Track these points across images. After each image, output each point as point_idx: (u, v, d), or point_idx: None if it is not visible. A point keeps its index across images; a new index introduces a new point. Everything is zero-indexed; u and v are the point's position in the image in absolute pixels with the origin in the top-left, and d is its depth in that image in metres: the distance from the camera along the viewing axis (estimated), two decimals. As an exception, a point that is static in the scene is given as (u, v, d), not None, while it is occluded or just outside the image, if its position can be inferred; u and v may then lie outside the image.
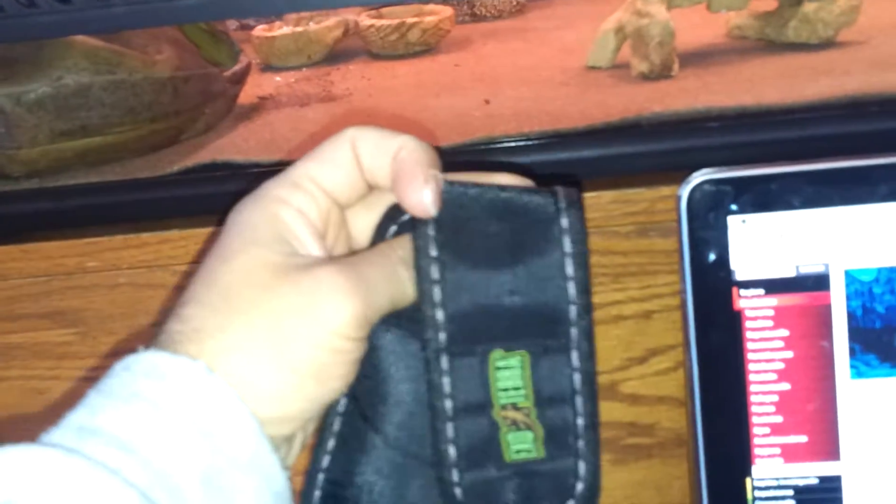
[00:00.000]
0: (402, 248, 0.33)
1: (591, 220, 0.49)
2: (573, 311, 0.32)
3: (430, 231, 0.32)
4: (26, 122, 0.55)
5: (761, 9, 0.71)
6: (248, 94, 0.73)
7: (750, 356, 0.45)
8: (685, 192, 0.44)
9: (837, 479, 0.46)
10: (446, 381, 0.32)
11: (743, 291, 0.45)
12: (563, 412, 0.33)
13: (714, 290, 0.45)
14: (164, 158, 0.60)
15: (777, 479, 0.46)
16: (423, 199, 0.32)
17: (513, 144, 0.54)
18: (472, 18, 0.95)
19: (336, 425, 0.34)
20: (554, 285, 0.32)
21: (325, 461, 0.34)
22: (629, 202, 0.49)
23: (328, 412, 0.34)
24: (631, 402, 0.53)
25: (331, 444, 0.34)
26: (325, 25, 0.84)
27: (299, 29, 0.83)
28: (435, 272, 0.32)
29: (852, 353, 0.45)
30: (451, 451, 0.32)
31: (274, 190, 0.32)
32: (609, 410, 0.53)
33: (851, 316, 0.44)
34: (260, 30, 0.85)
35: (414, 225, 0.33)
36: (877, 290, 0.44)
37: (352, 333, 0.30)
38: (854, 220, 0.44)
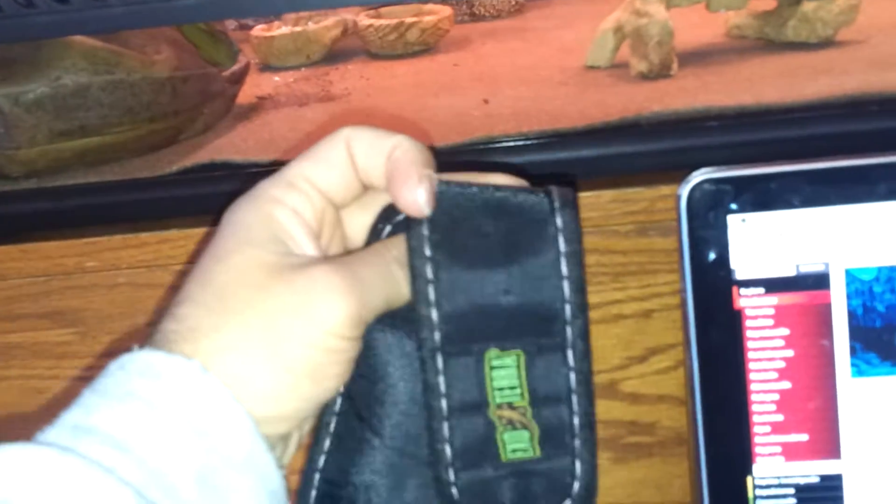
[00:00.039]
0: (396, 247, 0.33)
1: (591, 219, 0.49)
2: (568, 310, 0.32)
3: (425, 231, 0.32)
4: (25, 123, 0.55)
5: (760, 8, 0.71)
6: (246, 94, 0.73)
7: (750, 355, 0.45)
8: (685, 191, 0.44)
9: (838, 477, 0.45)
10: (441, 381, 0.32)
11: (743, 290, 0.45)
12: (559, 411, 0.33)
13: (714, 289, 0.45)
14: (163, 158, 0.60)
15: (778, 477, 0.46)
16: (418, 199, 0.32)
17: (512, 144, 0.54)
18: (470, 18, 0.95)
19: (332, 425, 0.34)
20: (549, 285, 0.32)
21: (321, 461, 0.34)
22: (629, 201, 0.49)
23: (324, 411, 0.34)
24: (631, 401, 0.53)
25: (327, 443, 0.34)
26: (323, 25, 0.84)
27: (298, 29, 0.83)
28: (429, 272, 0.32)
29: (853, 351, 0.44)
30: (447, 450, 0.32)
31: (269, 190, 0.32)
32: (609, 409, 0.53)
33: (852, 315, 0.44)
34: (259, 30, 0.85)
35: (408, 225, 0.33)
36: (877, 289, 0.44)
37: (346, 333, 0.30)
38: (854, 219, 0.44)
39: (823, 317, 0.44)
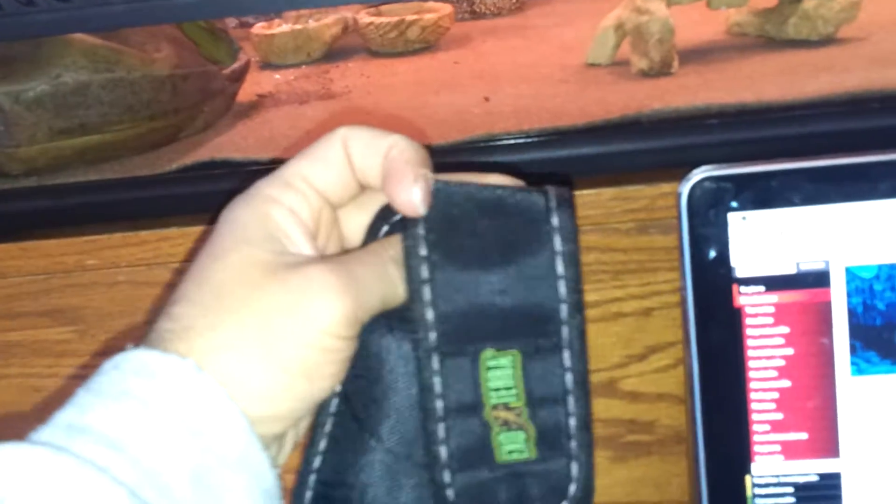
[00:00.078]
0: (393, 247, 0.33)
1: (592, 217, 0.49)
2: (564, 310, 0.32)
3: (420, 230, 0.32)
4: (25, 121, 0.55)
5: (761, 6, 0.71)
6: (246, 92, 0.73)
7: (750, 353, 0.45)
8: (685, 188, 0.44)
9: (837, 476, 0.45)
10: (437, 382, 0.32)
11: (743, 288, 0.44)
12: (555, 412, 0.32)
13: (714, 286, 0.45)
14: (163, 156, 0.60)
15: (777, 476, 0.46)
16: (413, 198, 0.32)
17: (512, 142, 0.53)
18: (471, 16, 0.95)
19: (328, 426, 0.34)
20: (545, 284, 0.32)
21: (317, 462, 0.34)
22: (629, 199, 0.49)
23: (320, 413, 0.34)
24: (630, 400, 0.53)
25: (322, 444, 0.34)
26: (324, 23, 0.84)
27: (298, 26, 0.83)
28: (425, 272, 0.32)
29: (853, 349, 0.44)
30: (443, 452, 0.32)
31: (265, 189, 0.32)
32: (608, 408, 0.53)
33: (852, 313, 0.44)
34: (259, 27, 0.85)
35: (404, 224, 0.32)
36: (877, 287, 0.44)
37: (342, 332, 0.30)
38: (854, 217, 0.44)
39: (823, 315, 0.44)
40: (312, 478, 0.34)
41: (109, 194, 0.55)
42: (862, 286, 0.44)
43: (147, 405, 0.28)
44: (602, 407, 0.52)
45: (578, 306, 0.32)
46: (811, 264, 0.44)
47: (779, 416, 0.45)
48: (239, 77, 0.70)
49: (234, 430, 0.28)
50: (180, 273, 0.50)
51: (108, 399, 0.28)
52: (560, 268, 0.32)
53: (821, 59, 0.63)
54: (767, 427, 0.45)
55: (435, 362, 0.32)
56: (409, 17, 0.81)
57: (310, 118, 0.66)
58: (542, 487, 0.33)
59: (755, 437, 0.45)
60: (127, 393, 0.28)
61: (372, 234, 0.35)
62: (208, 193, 0.52)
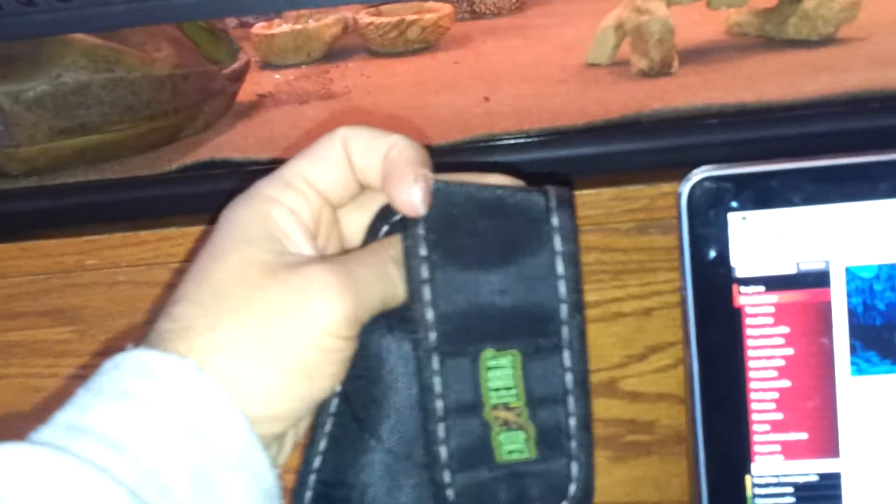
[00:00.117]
0: (393, 247, 0.33)
1: (592, 216, 0.49)
2: (564, 310, 0.32)
3: (420, 230, 0.32)
4: (25, 121, 0.55)
5: (761, 6, 0.71)
6: (247, 92, 0.73)
7: (750, 353, 0.45)
8: (685, 188, 0.44)
9: (837, 476, 0.45)
10: (437, 382, 0.32)
11: (743, 288, 0.44)
12: (555, 412, 0.32)
13: (714, 286, 0.45)
14: (163, 156, 0.60)
15: (777, 476, 0.46)
16: (413, 198, 0.31)
17: (512, 142, 0.53)
18: (471, 16, 0.95)
19: (328, 426, 0.34)
20: (545, 284, 0.32)
21: (317, 462, 0.34)
22: (629, 199, 0.49)
23: (320, 413, 0.34)
24: (631, 400, 0.53)
25: (322, 444, 0.34)
26: (324, 23, 0.84)
27: (298, 26, 0.83)
28: (425, 272, 0.32)
29: (853, 350, 0.44)
30: (443, 452, 0.32)
31: (265, 189, 0.32)
32: (609, 407, 0.53)
33: (852, 313, 0.44)
34: (259, 27, 0.85)
35: (404, 224, 0.32)
36: (877, 287, 0.44)
37: (342, 332, 0.30)
38: (854, 217, 0.43)
39: (823, 315, 0.44)
40: (312, 478, 0.34)
41: (109, 194, 0.55)
42: (862, 286, 0.44)
43: (147, 405, 0.28)
44: (602, 407, 0.52)
45: (578, 306, 0.32)
46: (811, 264, 0.44)
47: (779, 416, 0.45)
48: (239, 77, 0.70)
49: (233, 430, 0.28)
50: (180, 273, 0.50)
51: (108, 399, 0.28)
52: (560, 268, 0.32)
53: (821, 59, 0.63)
54: (767, 427, 0.45)
55: (435, 362, 0.32)
56: (409, 17, 0.81)
57: (310, 118, 0.66)
58: (542, 487, 0.33)
59: (755, 437, 0.45)
60: (127, 393, 0.28)
61: (372, 234, 0.35)
62: (208, 193, 0.52)
